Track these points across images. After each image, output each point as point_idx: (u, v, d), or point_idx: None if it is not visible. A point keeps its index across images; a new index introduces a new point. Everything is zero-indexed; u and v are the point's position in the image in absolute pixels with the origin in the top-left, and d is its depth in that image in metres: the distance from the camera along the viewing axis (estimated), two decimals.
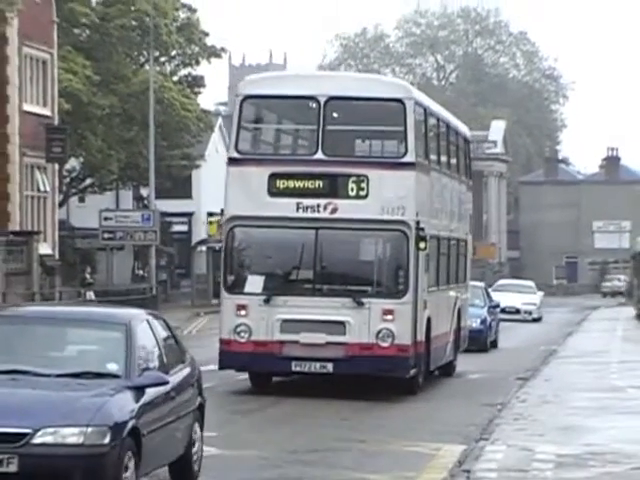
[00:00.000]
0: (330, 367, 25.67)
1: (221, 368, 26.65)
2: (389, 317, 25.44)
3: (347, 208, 25.78)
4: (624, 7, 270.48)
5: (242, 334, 25.57)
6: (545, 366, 46.86)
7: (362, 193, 25.57)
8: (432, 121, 30.71)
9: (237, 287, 26.80)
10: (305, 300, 26.19)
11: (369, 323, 25.44)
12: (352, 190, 25.46)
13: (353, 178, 25.47)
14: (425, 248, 26.72)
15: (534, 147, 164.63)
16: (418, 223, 26.05)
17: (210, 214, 65.83)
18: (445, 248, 33.99)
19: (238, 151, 26.61)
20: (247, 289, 26.49)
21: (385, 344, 25.20)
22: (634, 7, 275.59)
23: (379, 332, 25.32)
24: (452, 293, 35.95)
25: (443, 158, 33.32)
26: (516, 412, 30.81)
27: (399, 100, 25.48)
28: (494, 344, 45.21)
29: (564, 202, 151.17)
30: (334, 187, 25.99)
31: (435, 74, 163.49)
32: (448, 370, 35.74)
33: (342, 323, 25.43)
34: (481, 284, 50.59)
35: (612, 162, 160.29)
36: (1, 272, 58.82)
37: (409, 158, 26.09)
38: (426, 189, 28.97)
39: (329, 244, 26.60)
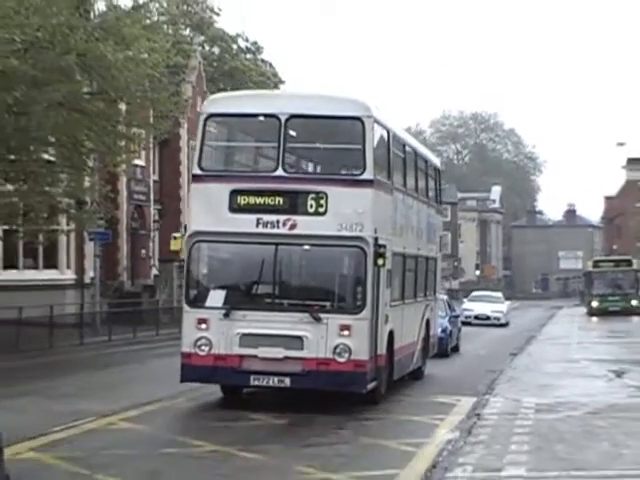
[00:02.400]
0: (288, 381, 24.06)
1: (182, 381, 25.15)
2: (346, 332, 23.76)
3: (306, 224, 24.11)
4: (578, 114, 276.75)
5: (202, 347, 24.20)
6: (529, 345, 56.79)
7: (321, 210, 23.99)
8: (397, 145, 28.91)
9: (198, 301, 25.22)
10: (264, 315, 24.57)
11: (326, 338, 23.80)
12: (311, 207, 23.95)
13: (312, 195, 24.00)
14: (383, 264, 24.92)
15: (520, 203, 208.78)
16: (376, 240, 24.29)
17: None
18: (412, 265, 32.25)
19: (201, 168, 25.20)
20: (208, 303, 24.86)
21: (342, 359, 23.61)
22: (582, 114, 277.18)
23: (336, 347, 23.66)
24: (420, 306, 34.23)
25: (410, 182, 31.62)
26: (509, 376, 39.24)
27: (358, 118, 24.12)
28: (455, 349, 45.82)
29: (539, 239, 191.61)
30: (293, 203, 24.41)
31: (455, 157, 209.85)
32: (417, 375, 34.07)
33: (300, 338, 23.90)
34: (444, 297, 49.90)
35: (570, 213, 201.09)
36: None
37: (367, 176, 24.43)
38: (388, 208, 27.17)
39: (288, 260, 25.17)
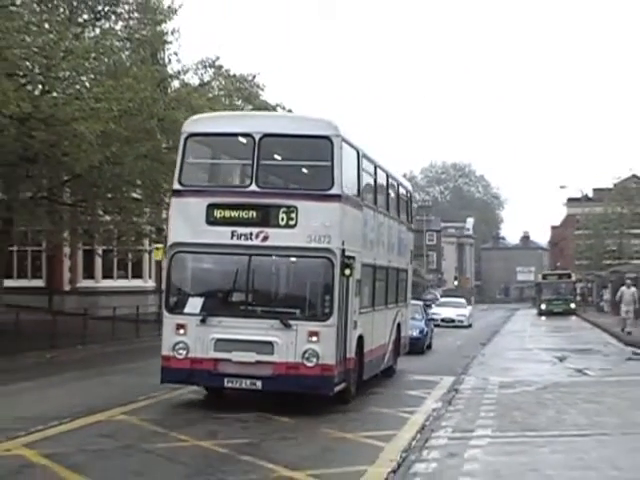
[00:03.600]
0: (259, 384, 20.99)
1: (162, 382, 21.85)
2: (314, 338, 20.75)
3: (277, 236, 21.22)
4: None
5: (180, 351, 21.17)
6: (494, 337, 56.20)
7: (291, 222, 21.14)
8: (367, 165, 25.42)
9: (177, 308, 21.89)
10: (237, 321, 21.33)
11: (296, 344, 20.79)
12: (282, 220, 21.13)
13: (283, 209, 21.17)
14: (351, 274, 21.67)
15: (487, 231, 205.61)
16: (343, 251, 21.21)
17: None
18: (383, 275, 28.56)
19: (181, 183, 22.03)
20: (186, 310, 21.61)
21: (310, 364, 20.58)
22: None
23: (305, 352, 20.65)
24: (391, 312, 30.32)
25: (381, 200, 28.22)
26: (479, 360, 39.01)
27: (326, 137, 21.15)
28: (429, 346, 42.70)
29: (502, 258, 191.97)
30: (266, 217, 21.47)
31: (439, 196, 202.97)
32: (389, 373, 30.17)
33: (271, 343, 20.84)
34: (420, 303, 47.03)
35: (525, 238, 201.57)
36: None
37: (335, 191, 21.33)
38: (357, 222, 23.73)
39: (260, 270, 21.88)
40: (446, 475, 15.11)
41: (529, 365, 36.50)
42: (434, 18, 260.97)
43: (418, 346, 38.84)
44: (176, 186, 22.06)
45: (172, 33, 36.97)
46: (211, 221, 21.47)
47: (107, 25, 35.63)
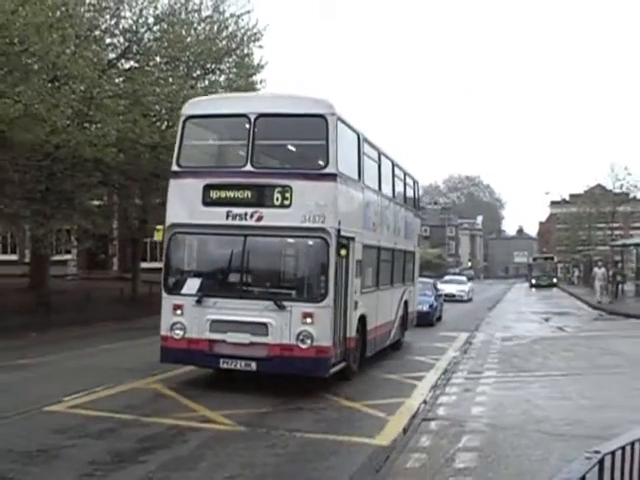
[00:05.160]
0: (254, 366, 16.57)
1: (161, 362, 17.47)
2: (309, 320, 16.42)
3: (272, 216, 16.81)
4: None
5: (177, 332, 17.02)
6: (498, 304, 55.41)
7: (286, 202, 16.78)
8: (370, 151, 20.70)
9: (175, 288, 17.54)
10: (232, 302, 16.96)
11: (290, 325, 16.48)
12: (277, 200, 16.81)
13: (278, 188, 16.86)
14: (346, 255, 17.24)
15: (492, 225, 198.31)
16: (339, 231, 16.59)
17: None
18: (388, 257, 23.51)
19: (179, 165, 17.84)
20: (183, 290, 17.37)
21: (304, 345, 16.30)
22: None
23: (299, 334, 16.33)
24: (397, 291, 25.05)
25: (386, 186, 23.03)
26: (487, 320, 38.66)
27: (321, 116, 16.81)
28: (439, 318, 37.74)
29: (503, 245, 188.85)
30: (261, 197, 17.15)
31: (457, 199, 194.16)
32: (396, 346, 24.89)
33: (265, 325, 16.48)
34: (431, 280, 42.20)
35: (520, 231, 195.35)
36: None
37: (329, 170, 16.80)
38: (356, 203, 19.12)
39: (255, 250, 17.28)
40: (463, 405, 15.16)
41: (523, 324, 36.14)
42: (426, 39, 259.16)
43: (428, 319, 33.97)
44: (174, 167, 17.86)
45: (260, 82, 36.85)
46: (207, 202, 17.23)
47: (213, 78, 35.70)
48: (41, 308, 30.85)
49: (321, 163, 16.75)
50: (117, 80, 31.48)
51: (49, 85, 25.93)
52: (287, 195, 16.53)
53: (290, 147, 18.88)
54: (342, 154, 17.02)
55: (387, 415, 14.38)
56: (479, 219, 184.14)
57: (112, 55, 32.57)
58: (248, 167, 16.86)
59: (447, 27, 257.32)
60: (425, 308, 33.59)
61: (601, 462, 5.60)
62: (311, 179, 16.72)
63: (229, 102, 19.54)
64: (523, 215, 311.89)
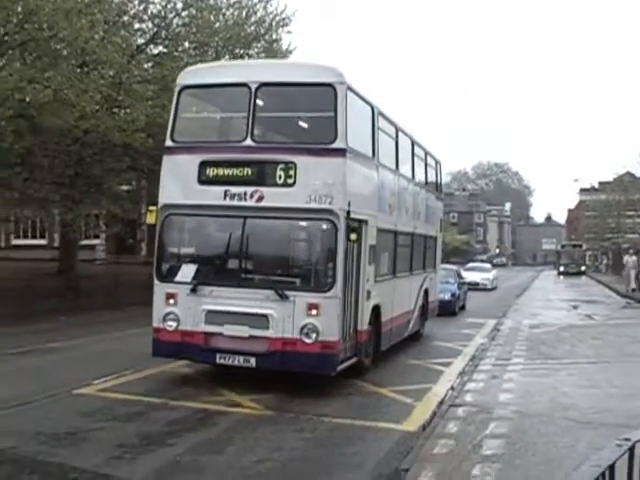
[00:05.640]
0: (253, 362, 14.60)
1: (154, 355, 15.50)
2: (314, 312, 14.38)
3: (273, 196, 14.77)
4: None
5: (170, 323, 15.17)
6: (525, 291, 54.36)
7: (289, 181, 14.67)
8: (386, 126, 18.57)
9: (168, 275, 15.55)
10: (230, 291, 14.90)
11: (293, 317, 14.44)
12: (279, 178, 14.71)
13: (281, 165, 14.73)
14: (357, 239, 15.31)
15: (520, 212, 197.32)
16: (348, 213, 14.46)
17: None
18: (407, 242, 21.36)
19: (173, 140, 15.65)
20: (176, 278, 15.36)
21: (309, 340, 14.33)
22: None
23: (303, 327, 14.34)
24: (417, 278, 22.94)
25: (405, 166, 20.78)
26: (514, 307, 38.45)
27: (329, 85, 14.64)
28: (463, 307, 35.97)
29: (531, 232, 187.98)
30: (262, 175, 15.04)
31: (485, 186, 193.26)
32: (415, 337, 22.96)
33: (265, 316, 14.48)
34: (454, 267, 40.59)
35: (548, 218, 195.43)
36: None
37: (338, 144, 14.60)
38: (370, 183, 17.05)
39: (255, 234, 15.11)
40: (490, 391, 15.12)
41: (551, 311, 35.88)
42: (439, 26, 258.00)
43: (450, 308, 32.11)
44: (167, 143, 15.77)
45: None
46: (203, 180, 15.28)
47: None
48: (70, 292, 31.02)
49: (329, 137, 14.70)
50: (146, 65, 31.58)
51: (78, 70, 26.02)
52: (291, 173, 14.67)
53: (295, 120, 16.64)
54: (353, 128, 15.07)
55: (414, 401, 14.38)
56: (507, 206, 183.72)
57: (141, 40, 32.68)
58: (248, 142, 15.01)
59: (472, 9, 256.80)
60: (447, 297, 32.10)
61: (631, 450, 5.55)
62: (317, 155, 14.74)
63: (228, 70, 17.32)
64: (552, 202, 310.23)
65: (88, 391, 14.28)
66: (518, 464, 9.95)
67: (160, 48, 33.29)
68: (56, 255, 41.33)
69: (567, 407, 13.62)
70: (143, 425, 11.95)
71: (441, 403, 14.14)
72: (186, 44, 33.04)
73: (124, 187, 38.16)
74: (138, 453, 10.45)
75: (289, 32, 36.15)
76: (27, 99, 24.18)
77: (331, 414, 12.99)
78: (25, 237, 54.99)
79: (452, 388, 15.64)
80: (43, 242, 52.70)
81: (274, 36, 35.98)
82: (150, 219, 15.52)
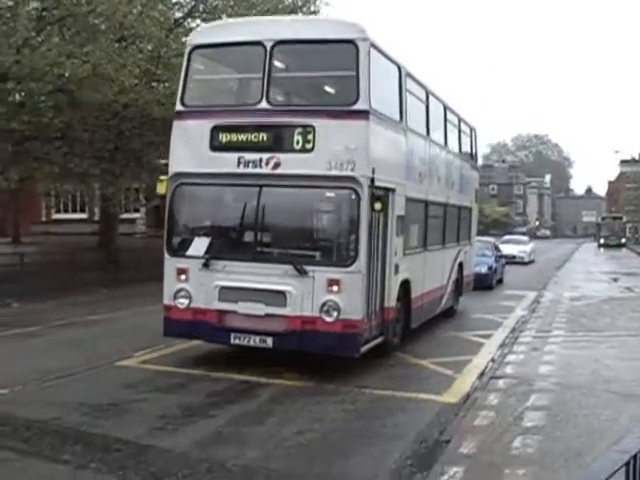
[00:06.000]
0: (270, 342, 13.54)
1: (165, 335, 14.57)
2: (335, 288, 13.18)
3: (290, 163, 13.51)
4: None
5: (182, 300, 14.08)
6: (566, 264, 53.94)
7: (308, 146, 13.39)
8: (415, 88, 17.15)
9: (178, 249, 14.42)
10: (245, 266, 13.71)
11: (313, 294, 13.24)
12: (297, 143, 13.44)
13: (298, 129, 13.47)
14: (383, 209, 13.66)
15: (560, 184, 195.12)
16: (372, 181, 13.18)
17: None
18: (439, 213, 19.97)
19: (183, 104, 14.51)
20: (188, 252, 14.21)
21: (330, 319, 13.14)
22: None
23: (323, 305, 13.15)
24: (450, 251, 21.60)
25: (437, 132, 19.47)
26: (554, 280, 37.91)
27: (351, 41, 13.46)
28: (500, 281, 34.81)
29: (571, 205, 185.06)
30: (278, 139, 13.75)
31: (525, 158, 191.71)
32: (449, 313, 21.74)
33: (282, 293, 13.35)
34: (492, 240, 39.34)
35: (589, 190, 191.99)
36: None
37: (361, 106, 13.35)
38: (397, 149, 15.70)
39: (271, 204, 13.88)
40: (530, 364, 15.06)
41: (591, 284, 35.62)
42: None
43: (487, 282, 31.19)
44: (178, 107, 14.65)
45: None
46: (215, 146, 14.09)
47: None
48: (110, 265, 31.24)
49: (350, 98, 13.54)
50: (184, 39, 31.49)
51: (116, 45, 26.06)
52: (309, 137, 13.44)
53: (313, 80, 15.35)
54: (377, 88, 13.84)
55: (455, 373, 14.37)
56: (547, 178, 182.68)
57: (179, 14, 32.67)
58: (263, 104, 13.79)
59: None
60: (484, 270, 31.24)
61: None
62: (338, 117, 13.52)
63: (242, 28, 15.67)
64: (592, 174, 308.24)
65: (129, 363, 14.40)
66: (559, 436, 9.91)
67: (198, 21, 33.19)
68: (96, 229, 41.57)
69: (609, 380, 13.54)
70: (184, 396, 12.04)
71: (482, 375, 14.13)
72: (224, 17, 32.93)
73: (163, 161, 38.16)
74: (180, 424, 10.53)
75: (327, 4, 35.92)
76: (66, 74, 24.30)
77: (372, 385, 13.02)
78: (65, 211, 55.23)
79: (492, 360, 15.61)
80: (83, 216, 52.91)
81: (312, 8, 35.80)
82: (160, 189, 14.58)
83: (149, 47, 27.32)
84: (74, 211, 55.01)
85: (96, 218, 46.70)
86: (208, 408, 11.38)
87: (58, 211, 55.37)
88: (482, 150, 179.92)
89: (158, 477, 8.42)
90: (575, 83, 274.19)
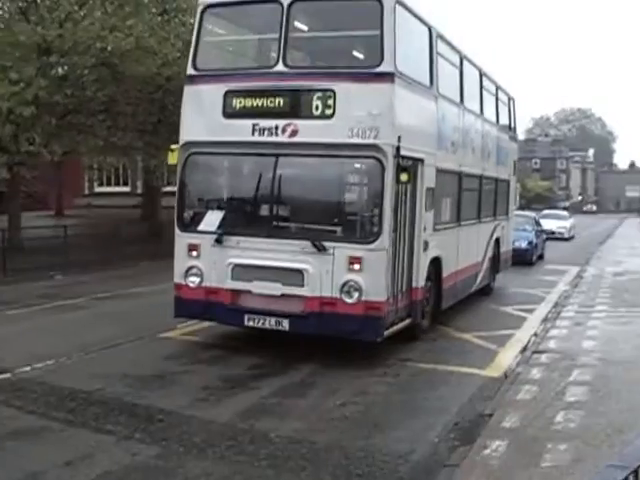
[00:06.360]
0: (286, 324, 12.55)
1: (176, 316, 13.81)
2: (356, 266, 12.16)
3: (309, 130, 12.42)
4: None
5: (193, 278, 13.32)
6: (608, 239, 52.87)
7: (328, 112, 12.30)
8: (447, 52, 15.96)
9: (190, 224, 13.61)
10: (260, 242, 12.71)
11: (332, 273, 12.25)
12: (316, 108, 12.36)
13: (317, 93, 12.37)
14: (409, 181, 12.81)
15: (604, 159, 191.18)
16: (398, 149, 12.06)
17: None
18: (474, 185, 18.73)
19: (195, 68, 13.48)
20: (200, 227, 13.32)
21: (350, 300, 12.12)
22: None
23: (344, 285, 12.16)
24: (486, 226, 20.25)
25: (471, 100, 18.04)
26: (597, 255, 37.54)
27: None
28: (541, 257, 34.08)
29: (615, 179, 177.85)
30: (295, 105, 12.65)
31: (567, 132, 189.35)
32: (485, 291, 20.69)
33: (300, 271, 12.38)
34: (532, 214, 37.94)
35: (632, 165, 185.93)
36: None
37: (385, 68, 12.15)
38: (426, 115, 14.48)
39: (289, 175, 12.89)
40: (574, 338, 14.95)
41: (635, 259, 35.06)
42: None
43: (527, 257, 30.60)
44: (189, 71, 13.60)
45: None
46: (229, 113, 13.06)
47: None
48: (153, 238, 31.39)
49: (374, 60, 12.43)
50: None
51: (159, 18, 26.16)
52: (329, 102, 12.37)
53: (334, 40, 13.99)
54: (404, 50, 12.77)
55: (497, 347, 14.36)
56: (590, 152, 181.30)
57: None
58: (279, 67, 12.78)
59: None
60: (523, 245, 30.59)
61: None
62: (360, 80, 12.37)
63: None
64: (635, 149, 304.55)
65: (172, 335, 14.51)
66: (602, 411, 9.84)
67: None
68: (139, 202, 41.82)
69: None
70: (226, 369, 12.10)
71: (524, 349, 14.09)
72: None
73: None
74: (223, 396, 10.60)
75: None
76: (109, 47, 24.41)
77: (414, 359, 13.05)
78: (108, 184, 55.65)
79: (535, 334, 15.54)
80: (126, 189, 53.28)
81: None
82: (171, 159, 13.69)
83: (191, 20, 27.27)
84: (117, 184, 55.35)
85: (139, 191, 46.98)
86: (250, 380, 11.44)
87: (101, 184, 55.74)
88: (525, 124, 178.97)
89: (201, 448, 8.49)
90: (619, 57, 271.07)
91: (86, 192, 55.69)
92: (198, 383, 11.17)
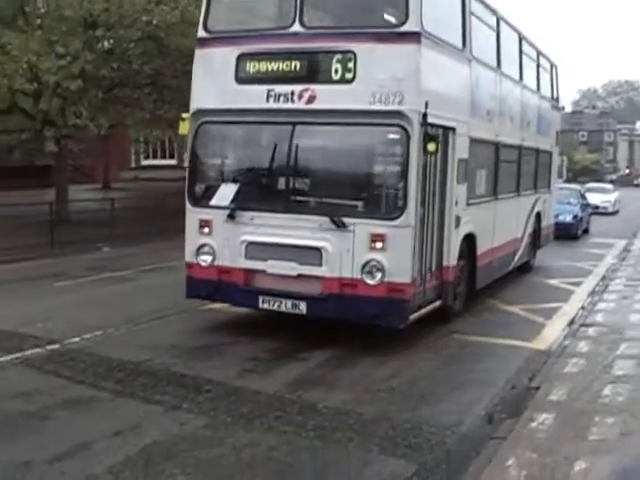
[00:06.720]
0: (303, 307, 11.59)
1: (188, 297, 12.89)
2: (379, 245, 11.09)
3: (327, 96, 11.37)
4: None
5: (204, 257, 12.43)
6: None
7: (348, 76, 11.23)
8: (482, 13, 14.62)
9: (201, 198, 12.77)
10: (275, 217, 11.76)
11: (353, 252, 11.23)
12: (335, 72, 11.29)
13: (337, 56, 11.30)
14: (437, 151, 11.59)
15: None
16: (425, 117, 10.93)
17: None
18: (513, 156, 17.41)
19: (207, 30, 12.47)
20: (212, 201, 12.49)
21: (373, 281, 11.14)
22: None
23: (365, 265, 11.17)
24: (525, 200, 18.94)
25: (510, 65, 16.67)
26: None
27: None
28: (586, 231, 32.60)
29: None
30: (313, 69, 11.64)
31: (615, 104, 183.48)
32: (524, 269, 19.66)
33: (318, 250, 11.39)
34: (578, 187, 36.92)
35: None
36: None
37: (410, 27, 11.03)
38: (457, 80, 13.26)
39: (306, 145, 11.81)
40: (621, 311, 14.82)
41: None
42: None
43: (571, 232, 29.33)
44: (200, 33, 12.59)
45: None
46: (242, 78, 12.09)
47: None
48: None
49: (398, 18, 11.43)
50: None
51: None
52: (349, 65, 11.30)
53: None
54: (432, 8, 11.66)
55: (545, 319, 14.29)
56: (638, 124, 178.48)
57: None
58: (296, 27, 11.78)
59: None
60: (568, 219, 29.44)
61: None
62: (383, 41, 11.26)
63: None
64: None
65: (218, 306, 14.50)
66: None
67: None
68: (184, 175, 41.95)
69: None
70: (272, 340, 12.13)
71: (572, 322, 14.00)
72: None
73: None
74: (270, 367, 10.66)
75: None
76: (154, 21, 24.46)
77: (461, 331, 13.05)
78: (155, 157, 55.92)
79: (582, 308, 15.42)
80: (173, 162, 53.49)
81: None
82: (182, 129, 12.85)
83: None
84: (163, 157, 55.58)
85: (185, 164, 47.10)
86: (297, 351, 11.48)
87: (147, 157, 56.00)
88: (572, 95, 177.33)
89: (249, 418, 8.54)
90: None
91: (133, 165, 56.04)
92: (245, 354, 11.23)
